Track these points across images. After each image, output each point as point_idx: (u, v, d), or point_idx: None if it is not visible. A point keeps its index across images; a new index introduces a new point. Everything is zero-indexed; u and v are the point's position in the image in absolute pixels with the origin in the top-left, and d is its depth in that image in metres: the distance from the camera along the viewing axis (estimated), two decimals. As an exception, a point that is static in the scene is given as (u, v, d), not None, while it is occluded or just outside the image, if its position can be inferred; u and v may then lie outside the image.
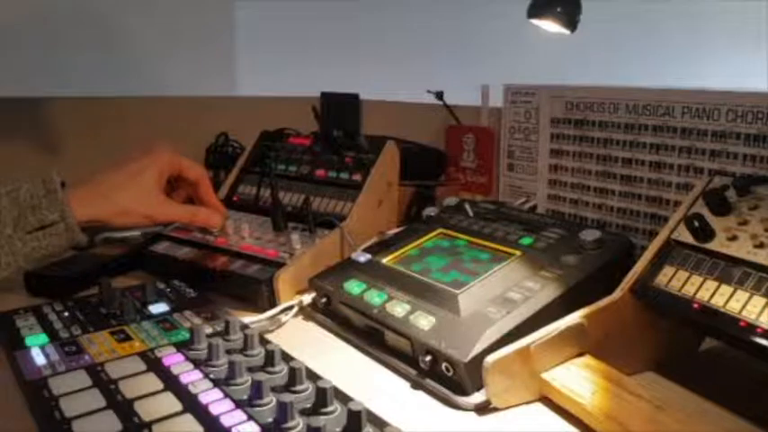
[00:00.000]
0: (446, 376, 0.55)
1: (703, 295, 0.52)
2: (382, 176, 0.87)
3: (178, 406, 0.49)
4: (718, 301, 0.51)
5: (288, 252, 0.77)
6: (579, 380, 0.53)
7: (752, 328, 0.47)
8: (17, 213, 0.64)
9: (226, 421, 0.47)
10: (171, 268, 0.80)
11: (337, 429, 0.46)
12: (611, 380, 0.53)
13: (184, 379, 0.53)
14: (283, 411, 0.46)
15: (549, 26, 0.87)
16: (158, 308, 0.68)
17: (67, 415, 0.47)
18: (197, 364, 0.55)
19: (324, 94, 0.96)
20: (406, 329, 0.59)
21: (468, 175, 1.05)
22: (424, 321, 0.58)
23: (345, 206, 0.85)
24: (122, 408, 0.48)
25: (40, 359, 0.56)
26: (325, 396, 0.48)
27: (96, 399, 0.50)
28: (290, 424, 0.45)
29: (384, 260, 0.71)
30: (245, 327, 0.63)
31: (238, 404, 0.49)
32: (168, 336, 0.62)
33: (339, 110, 0.93)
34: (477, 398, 0.53)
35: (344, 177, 0.88)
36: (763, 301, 0.48)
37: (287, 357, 0.56)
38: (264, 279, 0.72)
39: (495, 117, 1.00)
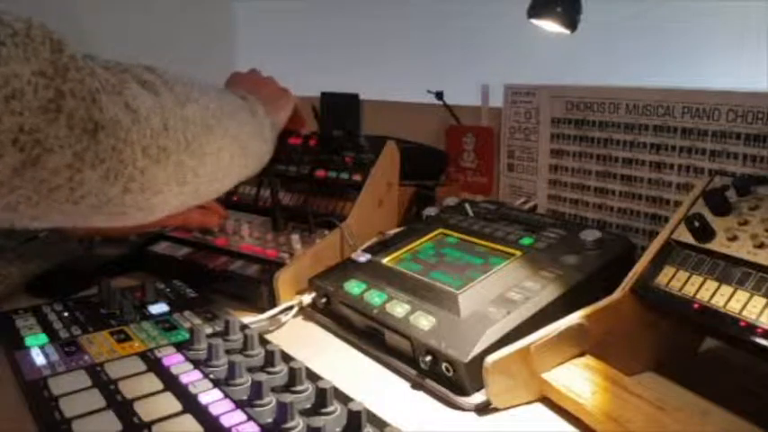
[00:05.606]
0: (446, 376, 0.55)
1: (703, 295, 0.52)
2: (382, 176, 0.87)
3: (178, 406, 0.49)
4: (718, 302, 0.51)
5: (288, 252, 0.77)
6: (579, 380, 0.53)
7: (752, 328, 0.47)
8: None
9: (226, 421, 0.47)
10: (171, 268, 0.80)
11: (337, 429, 0.46)
12: (611, 380, 0.53)
13: (184, 379, 0.53)
14: (283, 412, 0.46)
15: (549, 26, 0.86)
16: (158, 308, 0.68)
17: (67, 415, 0.47)
18: (197, 364, 0.55)
19: (324, 94, 0.96)
20: (407, 330, 0.59)
21: (468, 175, 1.05)
22: (424, 321, 0.58)
23: (345, 206, 0.85)
24: (122, 408, 0.48)
25: (39, 359, 0.56)
26: (325, 396, 0.48)
27: (96, 399, 0.50)
28: (290, 424, 0.45)
29: (384, 260, 0.71)
30: (245, 327, 0.63)
31: (238, 404, 0.49)
32: (168, 336, 0.61)
33: (339, 110, 0.93)
34: (478, 398, 0.53)
35: (344, 177, 0.88)
36: (763, 301, 0.48)
37: (287, 357, 0.56)
38: (264, 279, 0.72)
39: (496, 117, 1.00)
